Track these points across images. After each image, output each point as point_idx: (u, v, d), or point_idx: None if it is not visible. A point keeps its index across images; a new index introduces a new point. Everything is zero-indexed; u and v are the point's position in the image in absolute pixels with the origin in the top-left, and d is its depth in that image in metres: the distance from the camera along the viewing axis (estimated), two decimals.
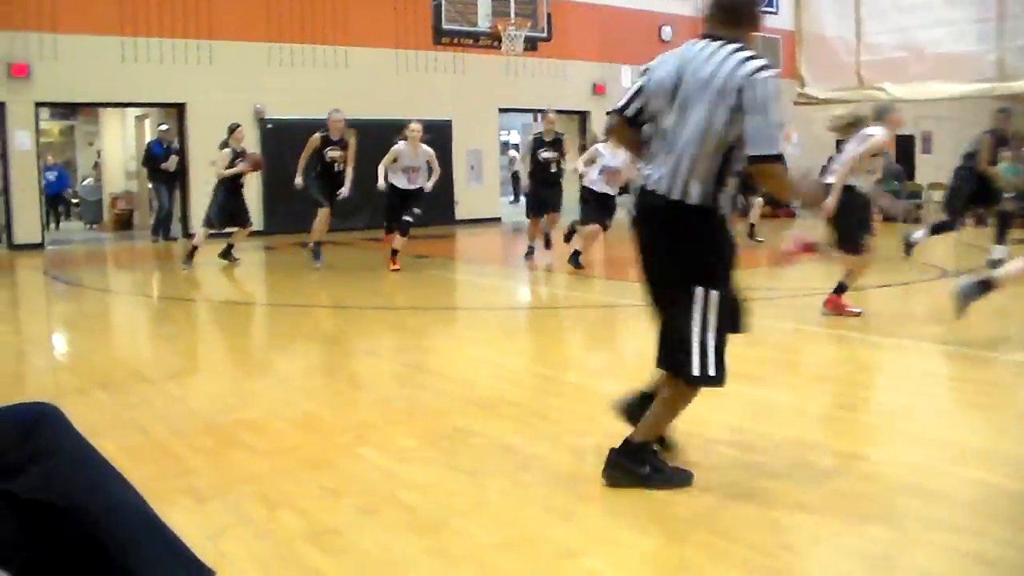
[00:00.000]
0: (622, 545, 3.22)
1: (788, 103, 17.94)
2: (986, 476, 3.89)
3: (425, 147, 11.05)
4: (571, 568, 3.07)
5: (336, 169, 11.45)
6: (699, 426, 4.29)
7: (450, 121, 18.09)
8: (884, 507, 3.53)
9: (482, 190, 19.26)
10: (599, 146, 10.87)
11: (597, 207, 10.75)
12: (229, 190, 12.15)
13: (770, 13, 21.47)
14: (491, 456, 4.17)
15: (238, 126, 12.55)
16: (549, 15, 18.68)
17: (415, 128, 11.03)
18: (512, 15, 18.16)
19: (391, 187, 11.00)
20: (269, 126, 16.84)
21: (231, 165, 12.01)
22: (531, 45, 18.51)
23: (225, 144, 12.25)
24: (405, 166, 10.97)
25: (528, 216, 12.49)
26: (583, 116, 20.06)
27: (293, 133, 14.05)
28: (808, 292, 8.43)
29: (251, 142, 14.82)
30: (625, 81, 19.69)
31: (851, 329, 7.15)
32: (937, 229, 11.36)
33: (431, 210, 13.01)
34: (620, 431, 3.81)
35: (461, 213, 18.62)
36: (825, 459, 4.15)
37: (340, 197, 11.54)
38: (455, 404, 5.15)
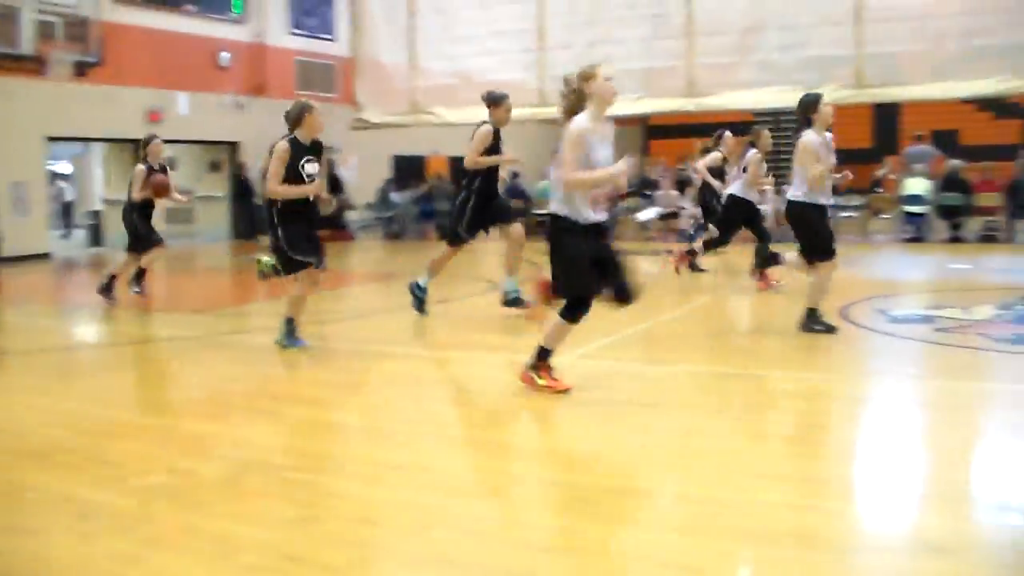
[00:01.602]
0: None
1: (344, 129, 18.34)
2: (534, 471, 4.19)
3: None
4: None
5: None
6: (270, 453, 4.29)
7: None
8: (448, 513, 3.72)
9: (28, 224, 17.88)
10: None
11: None
12: (143, 214, 10.59)
13: (327, 40, 21.84)
14: (49, 509, 3.89)
15: (154, 137, 10.97)
16: (101, 39, 17.74)
17: None
18: (59, 38, 17.06)
19: None
20: None
21: (146, 184, 10.44)
22: (81, 70, 17.49)
23: (144, 159, 10.65)
24: None
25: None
26: (135, 144, 19.22)
27: None
28: (362, 314, 8.67)
29: None
30: (183, 108, 19.15)
31: (404, 346, 7.45)
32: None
33: None
34: (185, 467, 3.70)
35: (6, 250, 17.19)
36: (393, 473, 4.28)
37: None
38: (4, 458, 4.75)
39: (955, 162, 17.61)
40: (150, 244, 10.51)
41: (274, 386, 6.30)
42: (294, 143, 6.97)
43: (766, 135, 10.65)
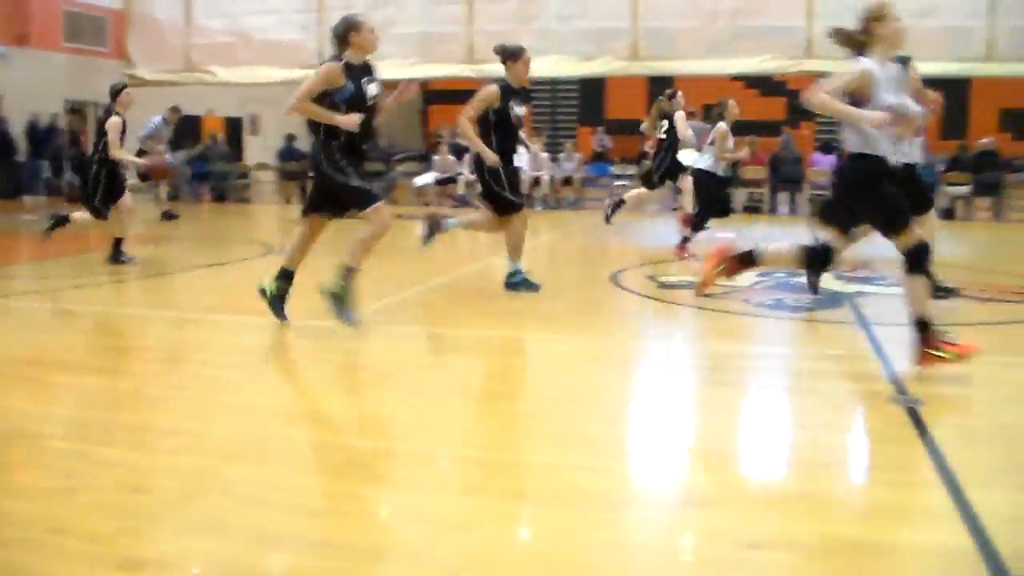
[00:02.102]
0: None
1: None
2: (311, 435, 4.15)
3: None
4: None
5: None
6: (31, 422, 4.07)
7: None
8: (220, 479, 3.61)
9: None
10: None
11: None
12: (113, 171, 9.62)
13: None
14: None
15: (124, 87, 9.91)
16: None
17: None
18: None
19: None
20: None
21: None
22: None
23: (112, 112, 9.62)
24: None
25: None
26: None
27: None
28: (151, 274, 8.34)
29: None
30: None
31: (175, 310, 7.21)
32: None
33: None
34: None
35: None
36: (163, 440, 4.13)
37: None
38: None
39: None
40: (109, 203, 9.63)
41: (37, 352, 5.94)
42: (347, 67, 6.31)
43: (733, 105, 10.61)
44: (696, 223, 10.69)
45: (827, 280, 8.57)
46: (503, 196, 7.95)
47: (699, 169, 10.59)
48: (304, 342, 6.24)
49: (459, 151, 19.23)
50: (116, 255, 9.60)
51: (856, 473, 4.02)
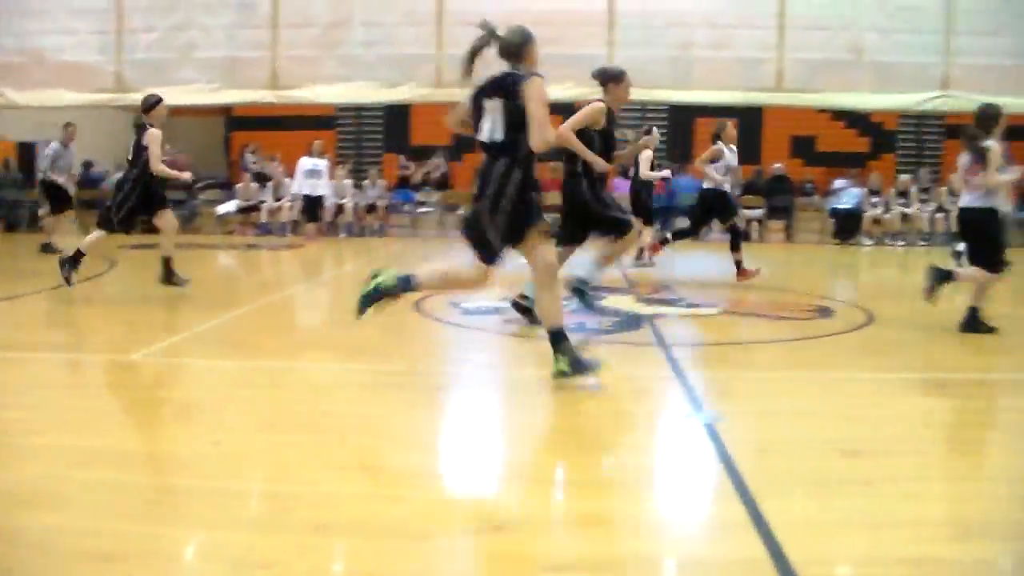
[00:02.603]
0: None
1: None
2: (109, 475, 4.02)
3: None
4: None
5: None
6: None
7: None
8: (5, 528, 3.46)
9: None
10: None
11: None
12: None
13: None
14: None
15: (159, 100, 9.19)
16: None
17: None
18: None
19: None
20: None
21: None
22: None
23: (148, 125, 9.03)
24: None
25: None
26: None
27: None
28: None
29: None
30: None
31: None
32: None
33: None
34: None
35: None
36: None
37: None
38: None
39: None
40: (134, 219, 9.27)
41: None
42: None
43: (731, 127, 11.25)
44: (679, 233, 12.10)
45: (628, 303, 8.88)
46: (615, 216, 7.73)
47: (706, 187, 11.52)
48: (103, 377, 6.03)
49: (262, 178, 18.97)
50: (168, 275, 9.24)
51: (657, 490, 4.15)
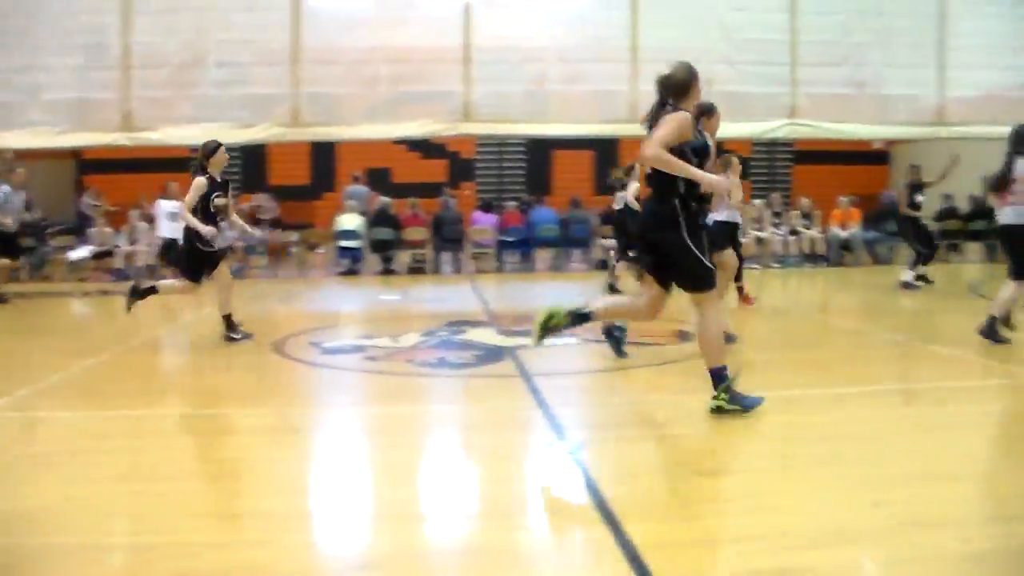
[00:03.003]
0: None
1: None
2: None
3: None
4: None
5: None
6: None
7: None
8: None
9: None
10: None
11: None
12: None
13: None
14: None
15: (218, 146, 9.30)
16: None
17: None
18: None
19: None
20: None
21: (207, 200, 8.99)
22: None
23: (202, 169, 9.15)
24: None
25: None
26: None
27: None
28: None
29: None
30: None
31: None
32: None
33: None
34: None
35: None
36: None
37: None
38: None
39: (384, 199, 18.93)
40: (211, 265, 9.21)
41: None
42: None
43: (735, 161, 11.06)
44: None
45: (489, 335, 8.99)
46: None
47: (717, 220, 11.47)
48: None
49: (88, 220, 18.50)
50: (230, 328, 9.13)
51: (524, 520, 4.21)
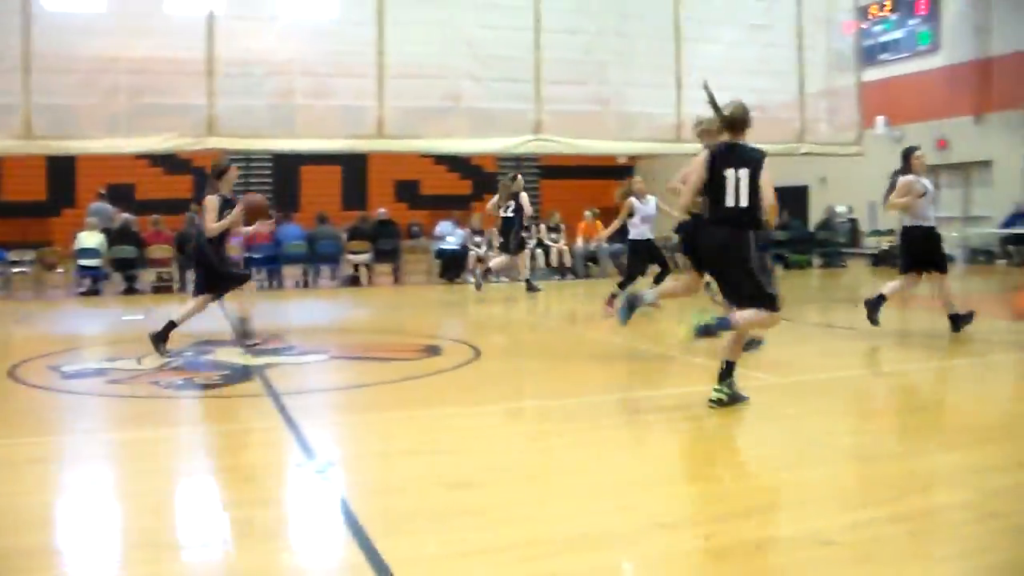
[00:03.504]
0: None
1: None
2: None
3: None
4: None
5: None
6: None
7: None
8: None
9: None
10: None
11: None
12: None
13: None
14: None
15: (232, 163, 9.56)
16: None
17: None
18: None
19: None
20: None
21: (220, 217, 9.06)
22: None
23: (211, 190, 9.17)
24: None
25: None
26: None
27: None
28: None
29: None
30: None
31: None
32: None
33: None
34: None
35: None
36: None
37: None
38: None
39: (126, 216, 18.17)
40: (237, 280, 9.44)
41: None
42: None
43: (639, 182, 12.39)
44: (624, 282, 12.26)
45: (237, 355, 8.80)
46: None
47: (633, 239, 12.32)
48: None
49: None
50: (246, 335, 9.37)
51: (276, 541, 4.12)
